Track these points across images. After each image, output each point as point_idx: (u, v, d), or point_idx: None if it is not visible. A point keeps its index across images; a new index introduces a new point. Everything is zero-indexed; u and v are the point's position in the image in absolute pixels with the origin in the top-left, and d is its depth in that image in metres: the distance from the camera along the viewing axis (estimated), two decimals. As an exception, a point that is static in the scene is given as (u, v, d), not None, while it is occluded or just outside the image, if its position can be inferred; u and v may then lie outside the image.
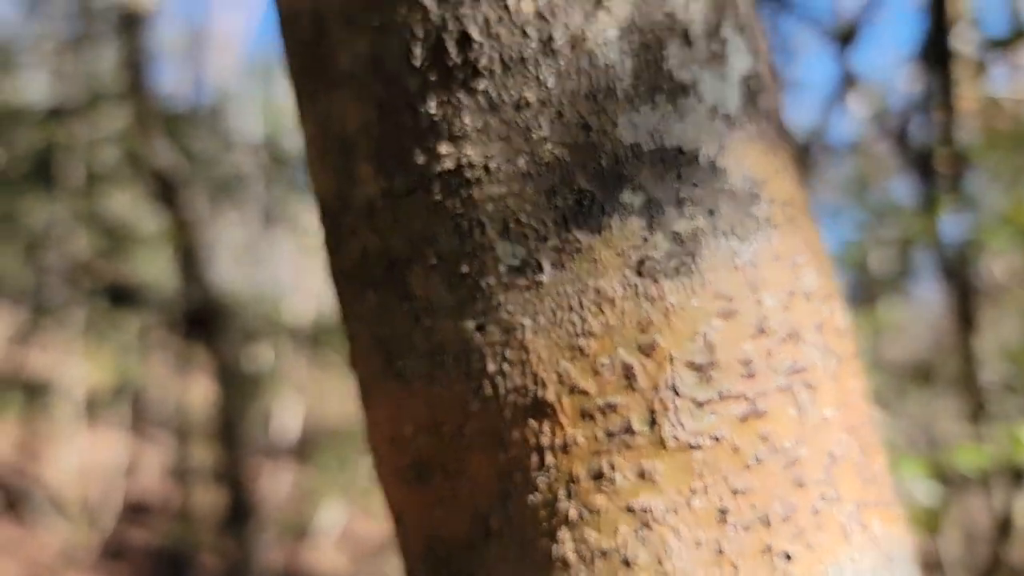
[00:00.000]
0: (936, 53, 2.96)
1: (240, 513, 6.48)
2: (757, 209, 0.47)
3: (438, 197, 0.45)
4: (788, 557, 0.44)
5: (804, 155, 3.68)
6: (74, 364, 9.91)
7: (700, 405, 0.44)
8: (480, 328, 0.45)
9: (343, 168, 0.49)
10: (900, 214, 3.17)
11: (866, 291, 3.73)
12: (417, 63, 0.45)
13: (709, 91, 0.47)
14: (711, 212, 0.45)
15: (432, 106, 0.45)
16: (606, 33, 0.45)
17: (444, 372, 0.46)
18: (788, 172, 0.50)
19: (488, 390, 0.45)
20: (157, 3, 6.34)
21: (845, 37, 3.60)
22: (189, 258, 6.94)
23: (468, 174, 0.45)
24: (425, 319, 0.46)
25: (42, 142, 8.11)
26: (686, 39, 0.47)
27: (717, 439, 0.44)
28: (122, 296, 8.94)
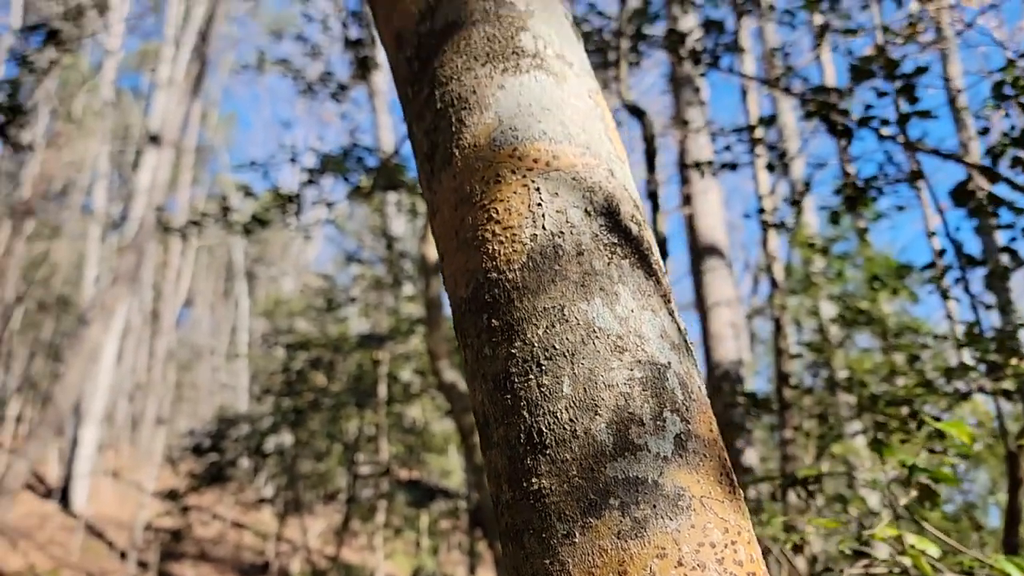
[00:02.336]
0: None
1: None
2: (682, 502, 0.98)
3: (531, 502, 1.02)
4: None
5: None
6: (377, 556, 11.17)
7: (648, 601, 0.94)
8: (551, 563, 0.99)
9: (497, 484, 1.08)
10: None
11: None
12: (523, 442, 1.04)
13: (654, 446, 1.00)
14: (654, 506, 0.97)
15: (528, 461, 1.03)
16: (600, 427, 1.01)
17: (538, 584, 1.00)
18: (708, 477, 1.01)
19: (555, 593, 0.98)
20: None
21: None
22: (472, 459, 7.88)
23: (543, 492, 1.01)
24: (529, 559, 1.01)
25: (356, 365, 9.90)
26: (641, 423, 1.01)
27: (657, 618, 0.93)
28: (418, 493, 10.18)
